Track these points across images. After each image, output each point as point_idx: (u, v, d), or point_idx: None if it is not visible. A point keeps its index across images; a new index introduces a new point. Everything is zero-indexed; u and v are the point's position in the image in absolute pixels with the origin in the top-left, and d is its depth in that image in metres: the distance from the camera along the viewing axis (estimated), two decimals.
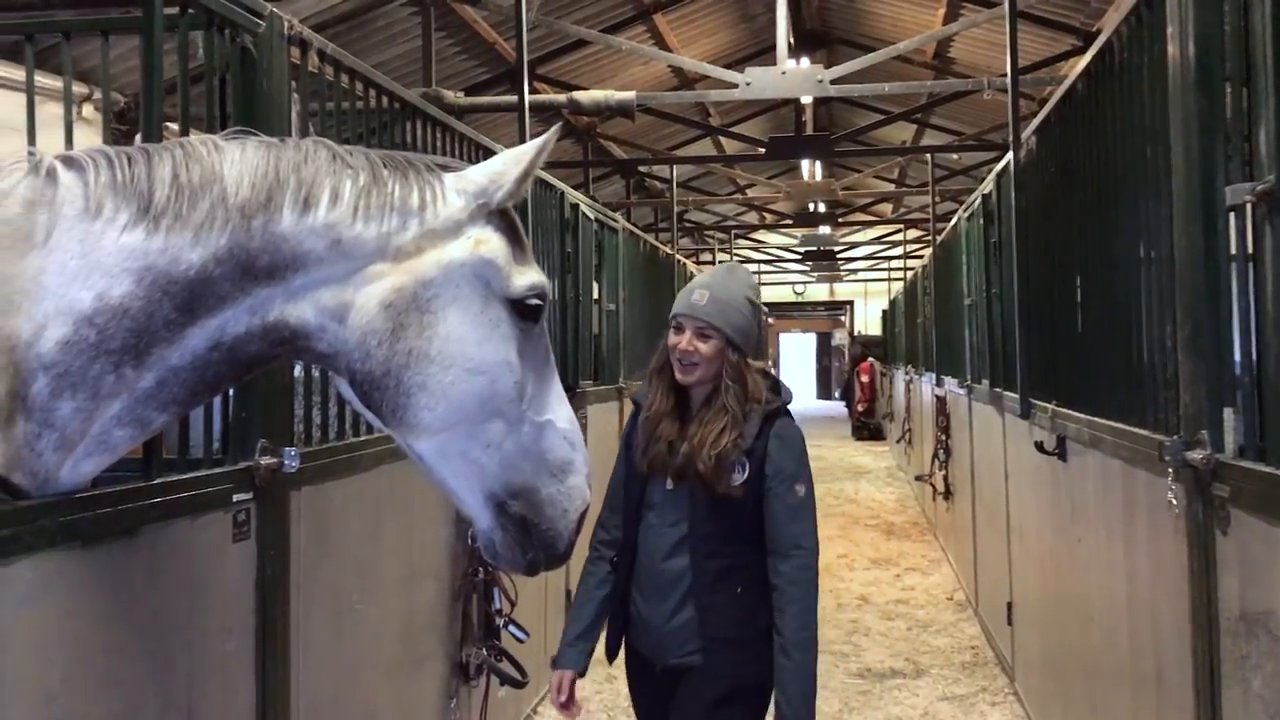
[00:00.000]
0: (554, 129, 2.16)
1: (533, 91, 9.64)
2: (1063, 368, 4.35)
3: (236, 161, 1.96)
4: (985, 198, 6.45)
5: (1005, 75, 5.81)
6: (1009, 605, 5.87)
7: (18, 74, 3.15)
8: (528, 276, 2.13)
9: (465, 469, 2.12)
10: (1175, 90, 2.70)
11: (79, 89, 5.47)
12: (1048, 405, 4.46)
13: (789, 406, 3.11)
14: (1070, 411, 4.07)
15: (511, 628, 4.33)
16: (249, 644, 2.69)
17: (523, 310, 2.11)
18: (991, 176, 6.22)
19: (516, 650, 4.41)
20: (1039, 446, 4.41)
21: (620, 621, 3.16)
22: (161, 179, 1.92)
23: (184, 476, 2.43)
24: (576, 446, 2.25)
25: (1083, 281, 4.00)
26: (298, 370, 3.05)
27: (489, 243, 2.08)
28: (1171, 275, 2.78)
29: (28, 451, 1.91)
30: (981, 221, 6.60)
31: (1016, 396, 5.17)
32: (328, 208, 1.98)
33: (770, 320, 29.42)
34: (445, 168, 2.14)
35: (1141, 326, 3.17)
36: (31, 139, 2.88)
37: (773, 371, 3.20)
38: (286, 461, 2.79)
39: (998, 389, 6.04)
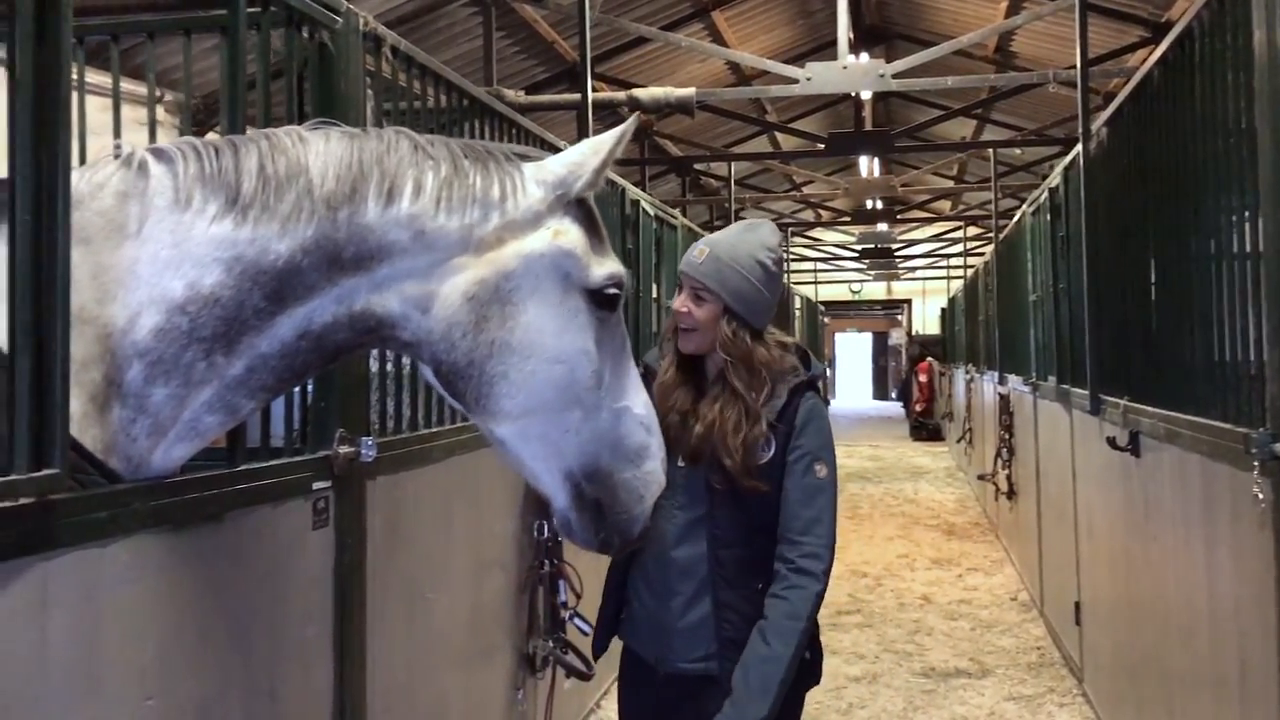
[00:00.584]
0: (633, 118, 2.17)
1: (592, 91, 9.70)
2: (1135, 362, 4.27)
3: (321, 153, 1.99)
4: (1052, 191, 6.35)
5: (1070, 68, 5.74)
6: (1076, 605, 5.78)
7: (96, 79, 3.24)
8: (606, 266, 2.15)
9: (544, 451, 2.18)
10: (1261, 79, 2.64)
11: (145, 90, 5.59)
12: (1119, 401, 4.38)
13: (818, 375, 2.83)
14: (1144, 406, 4.00)
15: (577, 620, 4.35)
16: (327, 630, 2.74)
17: (601, 300, 2.14)
18: (1059, 170, 6.12)
19: (581, 643, 4.43)
20: (1111, 443, 4.33)
21: (611, 614, 2.84)
22: (248, 170, 1.96)
23: (266, 464, 2.48)
24: (652, 432, 2.29)
25: (1157, 275, 3.93)
26: (374, 363, 3.10)
27: (568, 233, 2.10)
28: (1256, 267, 2.72)
29: (123, 437, 1.97)
30: (1048, 216, 6.50)
31: (1085, 393, 5.09)
32: (411, 199, 2.01)
33: (825, 319, 29.17)
34: (524, 157, 2.18)
35: (1222, 319, 3.10)
36: (117, 138, 2.96)
37: (795, 341, 2.83)
38: (363, 451, 2.84)
39: (1065, 386, 5.94)
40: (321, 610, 2.72)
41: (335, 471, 2.75)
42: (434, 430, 3.48)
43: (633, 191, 6.20)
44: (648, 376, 2.83)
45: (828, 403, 2.97)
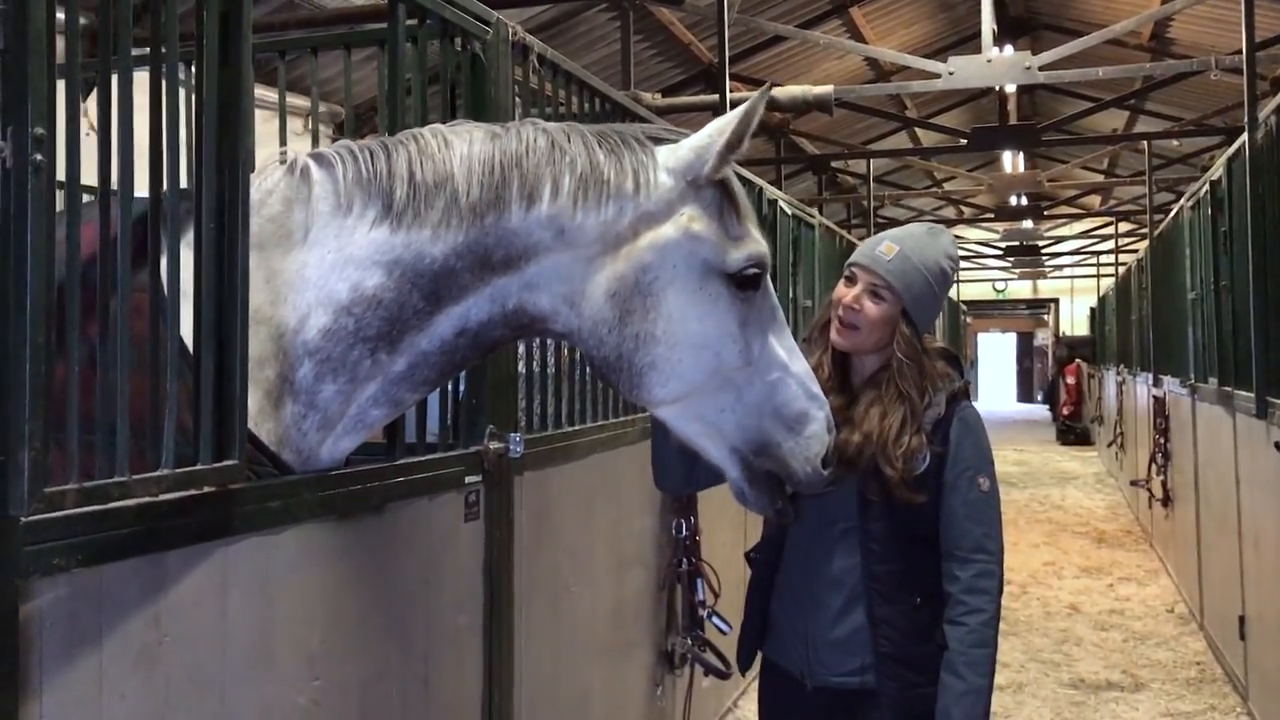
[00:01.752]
0: (761, 91, 2.15)
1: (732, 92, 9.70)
2: None
3: (465, 157, 2.07)
4: (1213, 184, 6.04)
5: (1235, 53, 5.44)
6: (1241, 619, 5.48)
7: (260, 92, 3.44)
8: (744, 248, 2.14)
9: (705, 429, 2.23)
10: None
11: (298, 101, 5.86)
12: None
13: (969, 382, 2.77)
14: None
15: (715, 619, 4.38)
16: (478, 620, 2.83)
17: (742, 281, 2.14)
18: (1222, 161, 5.82)
19: (719, 642, 4.45)
20: None
21: (756, 626, 2.79)
22: (400, 176, 2.05)
23: (423, 458, 2.59)
24: (813, 396, 2.28)
25: None
26: (520, 364, 3.20)
27: (700, 219, 2.11)
28: None
29: (295, 431, 2.10)
30: (1209, 210, 6.19)
31: (1251, 395, 4.83)
32: (549, 200, 2.07)
33: (968, 320, 28.37)
34: (659, 140, 2.19)
35: None
36: (283, 146, 3.13)
37: (946, 346, 2.79)
38: (512, 447, 2.93)
39: (1228, 388, 5.65)
40: (473, 600, 2.82)
41: (486, 466, 2.85)
42: (577, 428, 3.56)
43: (770, 190, 6.19)
44: None
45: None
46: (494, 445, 2.86)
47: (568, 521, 3.44)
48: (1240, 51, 5.48)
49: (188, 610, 1.82)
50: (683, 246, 2.10)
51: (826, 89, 7.40)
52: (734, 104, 8.38)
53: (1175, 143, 13.53)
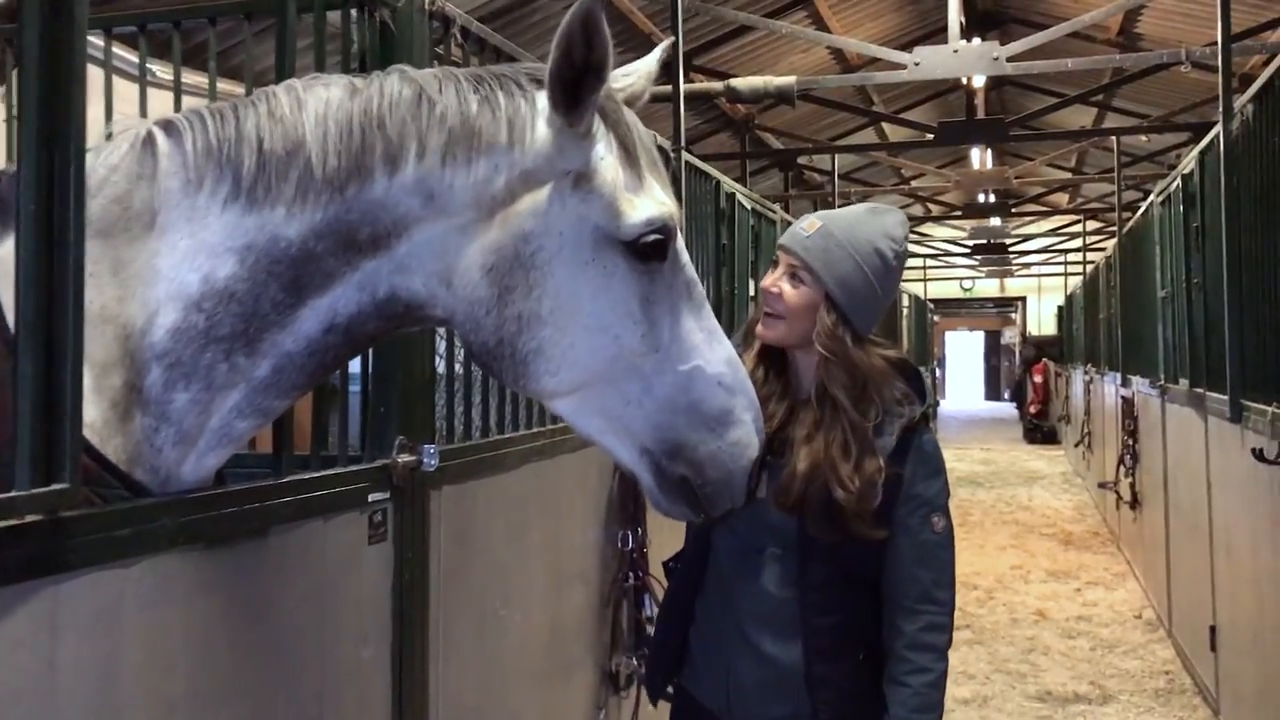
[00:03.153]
0: (662, 45, 1.87)
1: (689, 82, 9.43)
2: None
3: (320, 118, 1.78)
4: (1185, 179, 5.85)
5: (1206, 45, 5.25)
6: (1212, 629, 5.29)
7: (157, 68, 3.15)
8: (641, 210, 1.81)
9: (609, 426, 1.92)
10: None
11: (193, 80, 5.44)
12: (1266, 408, 3.94)
13: (931, 407, 2.52)
14: None
15: None
16: (385, 652, 2.56)
17: (643, 251, 1.82)
18: (1194, 154, 5.63)
19: None
20: (1258, 454, 3.89)
21: (672, 652, 2.43)
22: (249, 142, 1.77)
23: (317, 474, 2.31)
24: (736, 390, 1.94)
25: None
26: (440, 364, 2.92)
27: (591, 176, 1.80)
28: None
29: (148, 447, 1.82)
30: (1180, 206, 6.00)
31: (1224, 398, 4.63)
32: (415, 161, 1.77)
33: (935, 318, 28.30)
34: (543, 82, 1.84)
35: None
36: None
37: (901, 355, 2.36)
38: (425, 459, 2.65)
39: (1199, 389, 5.45)
40: (379, 630, 2.53)
41: (395, 482, 2.56)
42: (508, 436, 3.28)
43: (728, 184, 5.93)
44: None
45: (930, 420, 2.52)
46: (404, 458, 2.58)
47: (497, 538, 3.16)
48: (1214, 44, 5.27)
49: (4, 661, 1.53)
50: (569, 210, 1.79)
51: (789, 80, 7.15)
52: (691, 95, 8.13)
53: (1144, 138, 13.44)
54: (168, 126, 1.82)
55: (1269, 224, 4.07)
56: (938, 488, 2.23)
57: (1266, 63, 3.92)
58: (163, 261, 1.76)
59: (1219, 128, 4.73)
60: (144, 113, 2.83)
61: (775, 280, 2.28)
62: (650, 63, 2.09)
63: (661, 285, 1.87)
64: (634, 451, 1.94)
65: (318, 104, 1.79)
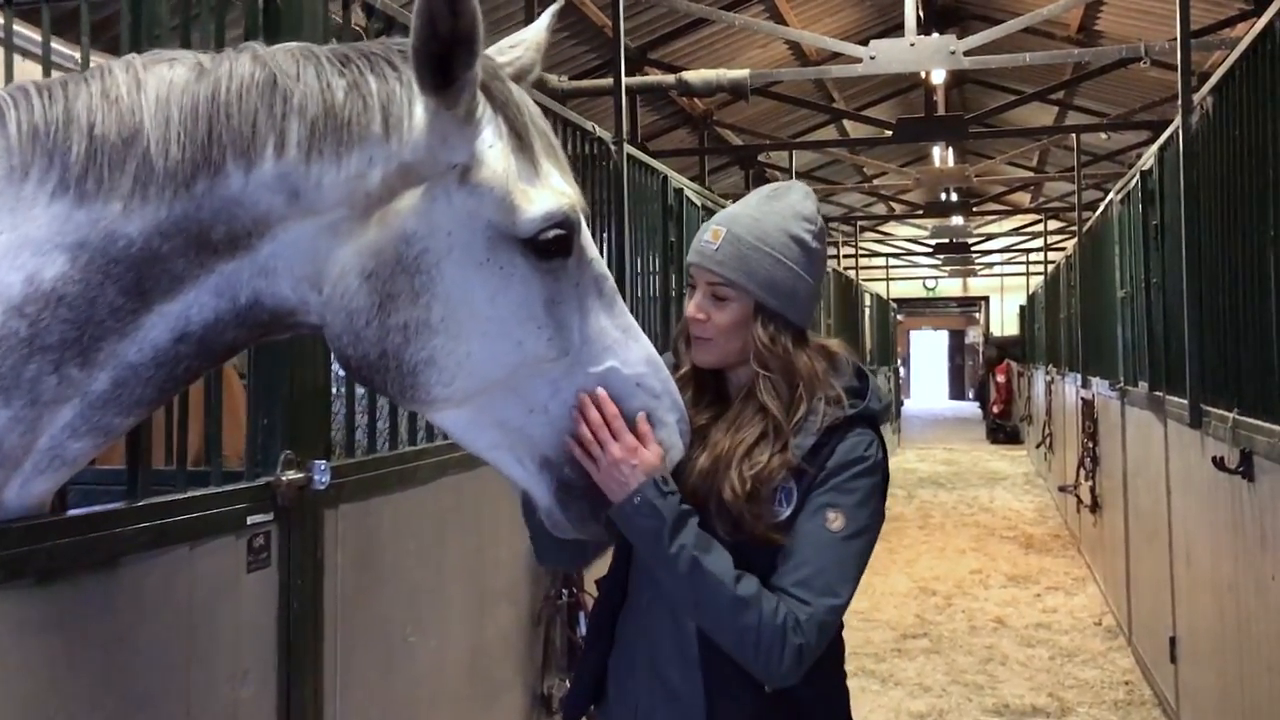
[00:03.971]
0: (555, 7, 1.67)
1: (645, 75, 9.22)
2: (1248, 369, 3.66)
3: (161, 102, 1.54)
4: (1144, 175, 5.70)
5: (1167, 41, 5.10)
6: (1172, 640, 5.14)
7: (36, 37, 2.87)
8: (538, 204, 1.62)
9: (506, 439, 1.72)
10: None
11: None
12: (1227, 414, 3.77)
13: (876, 411, 2.02)
14: (1259, 422, 3.39)
15: None
16: (269, 690, 2.31)
17: (543, 248, 1.63)
18: (1153, 150, 5.48)
19: None
20: (1218, 463, 3.72)
21: (590, 680, 2.15)
22: (78, 125, 1.53)
23: (179, 496, 2.06)
24: (660, 393, 1.79)
25: (1278, 267, 3.31)
26: (336, 367, 2.68)
27: (480, 166, 1.60)
28: None
29: None
30: (1140, 204, 5.85)
31: (1184, 402, 4.47)
32: (274, 156, 1.55)
33: (899, 317, 28.29)
34: None
35: None
36: None
37: (847, 355, 2.12)
38: (317, 476, 2.41)
39: (1159, 393, 5.30)
40: (261, 666, 2.29)
41: (280, 502, 2.32)
42: (420, 447, 3.04)
43: (676, 179, 5.72)
44: None
45: (882, 441, 2.06)
46: (291, 475, 2.33)
47: (407, 559, 2.92)
48: (1174, 39, 5.12)
49: None
50: (456, 206, 1.59)
51: (742, 73, 6.96)
52: (642, 89, 7.93)
53: (1104, 137, 13.40)
54: None
55: (1229, 222, 3.91)
56: (852, 486, 1.92)
57: (1228, 56, 3.76)
58: None
59: (1178, 122, 4.57)
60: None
61: (698, 304, 2.02)
62: (538, 30, 1.87)
63: (567, 283, 1.69)
64: (533, 464, 1.75)
65: (159, 85, 1.56)
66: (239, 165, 1.54)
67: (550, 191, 1.65)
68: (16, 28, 2.92)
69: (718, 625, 1.84)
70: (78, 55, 2.57)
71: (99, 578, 1.85)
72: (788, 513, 1.91)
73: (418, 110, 1.58)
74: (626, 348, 1.76)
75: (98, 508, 1.88)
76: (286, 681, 2.35)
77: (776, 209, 2.05)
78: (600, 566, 2.26)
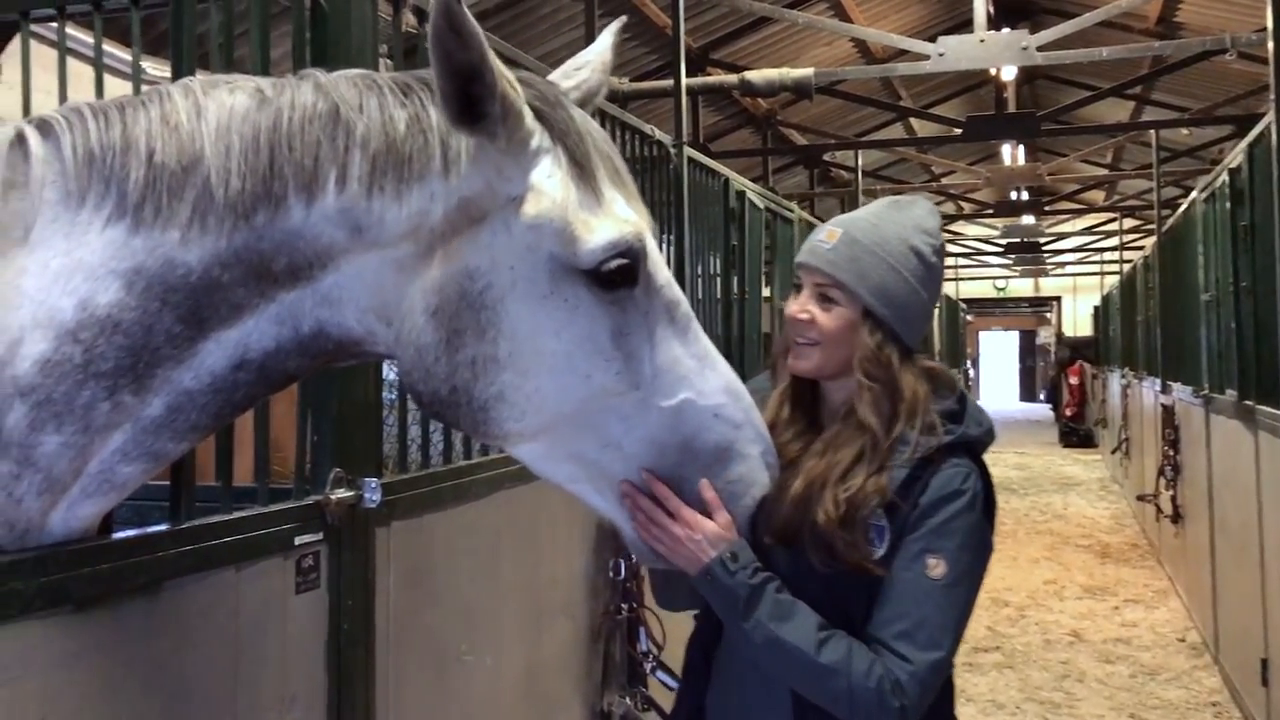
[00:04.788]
0: (615, 24, 1.61)
1: (707, 76, 9.10)
2: None
3: (221, 130, 1.51)
4: (1232, 174, 5.44)
5: (1255, 32, 4.85)
6: (1264, 662, 4.88)
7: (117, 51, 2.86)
8: (600, 233, 1.56)
9: (584, 473, 1.68)
10: None
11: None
12: None
13: (976, 438, 1.91)
14: None
15: (660, 673, 3.80)
16: (319, 713, 2.25)
17: (607, 279, 1.57)
18: (1242, 147, 5.22)
19: (665, 699, 3.87)
20: None
21: (686, 716, 2.08)
22: (137, 152, 1.50)
23: (225, 518, 2.00)
24: (740, 424, 1.70)
25: None
26: (389, 387, 2.62)
27: (538, 197, 1.54)
28: None
29: (4, 497, 1.55)
30: (1227, 203, 5.58)
31: (1278, 413, 4.23)
32: (336, 190, 1.52)
33: (969, 318, 27.75)
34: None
35: None
36: None
37: (953, 376, 2.03)
38: (367, 494, 2.34)
39: (1249, 402, 5.05)
40: (310, 690, 2.23)
41: (330, 520, 2.26)
42: (474, 461, 2.97)
43: (738, 181, 5.60)
44: None
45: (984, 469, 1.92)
46: (340, 494, 2.27)
47: (460, 576, 2.85)
48: (1263, 29, 4.87)
49: None
50: (517, 239, 1.54)
51: (806, 71, 6.81)
52: (704, 89, 7.81)
53: (1184, 132, 12.95)
54: (42, 127, 1.56)
55: None
56: (953, 527, 1.80)
57: None
58: (29, 282, 1.50)
59: (1270, 117, 4.33)
60: (99, 98, 2.54)
61: (803, 305, 1.94)
62: (602, 49, 1.82)
63: (635, 313, 1.62)
64: (613, 497, 1.71)
65: (219, 112, 1.53)
66: (300, 198, 1.51)
67: (612, 220, 1.58)
68: (70, 31, 2.91)
69: (806, 692, 1.81)
70: (128, 56, 2.54)
71: (141, 603, 1.79)
72: (881, 552, 1.81)
73: (471, 144, 1.54)
74: (702, 377, 1.68)
75: (139, 531, 1.84)
76: (336, 705, 2.29)
77: (898, 218, 1.96)
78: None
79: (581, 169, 1.58)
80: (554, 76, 1.77)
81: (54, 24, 2.70)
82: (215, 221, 1.50)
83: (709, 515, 1.73)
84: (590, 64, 1.81)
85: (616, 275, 1.57)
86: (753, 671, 1.93)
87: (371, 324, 1.59)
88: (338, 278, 1.56)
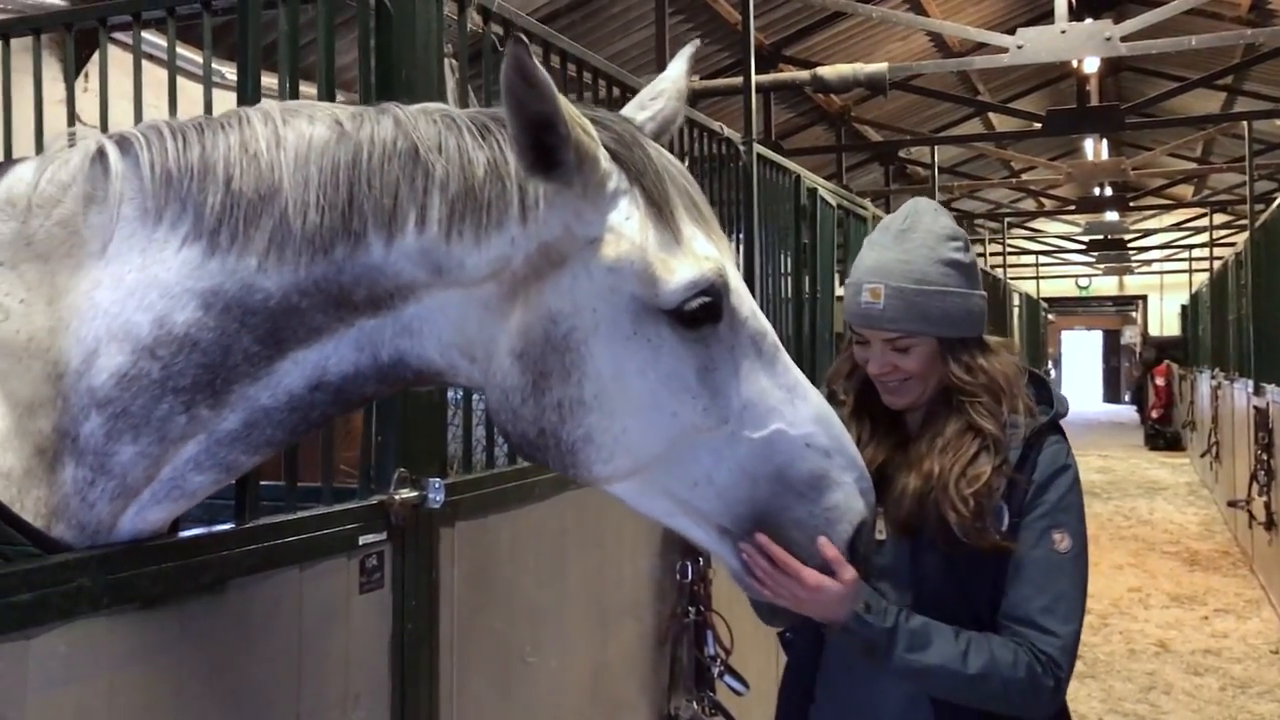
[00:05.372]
0: (688, 48, 1.58)
1: (778, 73, 9.01)
2: None
3: (301, 163, 1.53)
4: None
5: None
6: None
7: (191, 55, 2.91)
8: (680, 273, 1.55)
9: (677, 508, 1.68)
10: None
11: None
12: None
13: (1063, 413, 2.09)
14: None
15: (728, 678, 3.75)
16: (383, 712, 2.26)
17: (689, 318, 1.56)
18: None
19: (732, 703, 3.82)
20: None
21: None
22: (215, 177, 1.52)
23: (289, 517, 2.02)
24: (832, 451, 1.67)
25: None
26: (452, 389, 2.62)
27: (616, 239, 1.54)
28: None
29: (77, 501, 1.59)
30: None
31: None
32: (416, 231, 1.53)
33: (1050, 317, 27.09)
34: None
35: None
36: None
37: (1015, 347, 2.21)
38: (431, 495, 2.34)
39: None
40: (374, 690, 2.24)
41: (394, 521, 2.26)
42: None
43: (809, 179, 5.52)
44: None
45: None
46: (404, 494, 2.27)
47: (525, 577, 2.84)
48: None
49: None
50: (598, 282, 1.54)
51: (880, 67, 6.69)
52: (775, 86, 7.72)
53: (1279, 123, 12.45)
54: (122, 143, 1.60)
55: None
56: (1067, 501, 1.96)
57: None
58: (103, 295, 1.55)
59: None
60: (173, 101, 2.59)
61: (881, 362, 2.03)
62: (676, 75, 1.82)
63: (721, 349, 1.61)
64: (711, 532, 1.70)
65: (298, 143, 1.55)
66: (379, 236, 1.53)
67: (692, 259, 1.57)
68: (146, 36, 2.96)
69: (964, 702, 1.91)
70: (199, 59, 2.58)
71: (206, 602, 1.81)
72: (1005, 525, 1.94)
73: (549, 190, 1.54)
74: (792, 407, 1.65)
75: (205, 530, 1.86)
76: (400, 705, 2.29)
77: (918, 241, 2.02)
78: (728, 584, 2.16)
79: (660, 209, 1.57)
80: (630, 107, 1.78)
81: (131, 31, 2.77)
82: (293, 253, 1.52)
83: (830, 572, 1.74)
84: (665, 92, 1.81)
85: (700, 313, 1.57)
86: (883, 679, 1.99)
87: (454, 358, 1.60)
88: (419, 310, 1.57)
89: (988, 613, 1.97)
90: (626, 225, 1.55)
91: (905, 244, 2.02)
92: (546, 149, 1.47)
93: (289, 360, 1.56)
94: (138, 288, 1.52)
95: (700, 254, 1.58)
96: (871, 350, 2.04)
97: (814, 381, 1.83)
